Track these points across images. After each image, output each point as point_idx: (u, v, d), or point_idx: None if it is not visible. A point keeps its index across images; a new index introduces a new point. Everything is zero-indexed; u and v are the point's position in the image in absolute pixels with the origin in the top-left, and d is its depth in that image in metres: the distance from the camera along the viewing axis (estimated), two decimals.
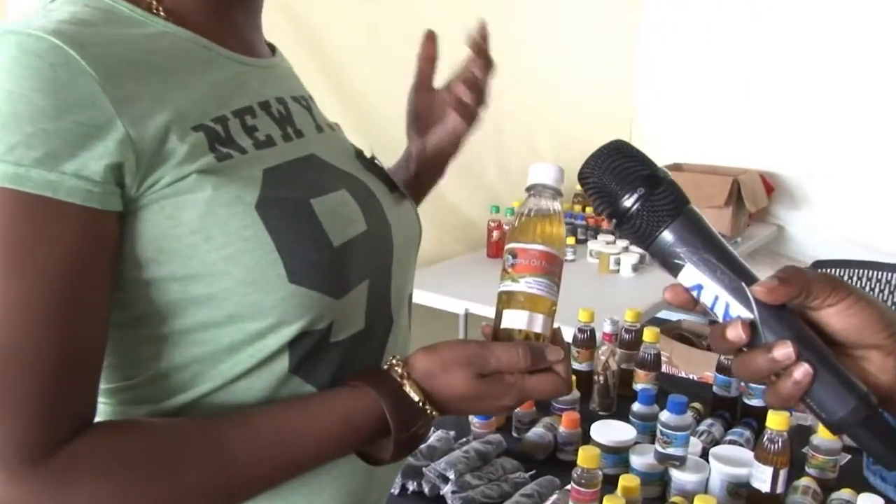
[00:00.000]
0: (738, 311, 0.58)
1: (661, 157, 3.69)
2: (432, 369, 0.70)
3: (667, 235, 0.59)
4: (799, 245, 3.69)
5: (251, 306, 0.66)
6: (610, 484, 1.35)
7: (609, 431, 1.49)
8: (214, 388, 0.69)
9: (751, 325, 0.57)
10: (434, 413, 0.71)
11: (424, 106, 1.00)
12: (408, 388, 0.70)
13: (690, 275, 0.59)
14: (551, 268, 0.73)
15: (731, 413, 1.70)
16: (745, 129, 3.67)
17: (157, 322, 0.67)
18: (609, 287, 2.85)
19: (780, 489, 1.34)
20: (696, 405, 1.71)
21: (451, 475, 1.39)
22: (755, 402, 1.66)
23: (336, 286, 0.70)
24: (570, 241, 3.08)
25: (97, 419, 0.65)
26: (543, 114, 3.47)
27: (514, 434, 1.62)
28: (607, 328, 1.80)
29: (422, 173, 1.03)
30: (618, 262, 2.92)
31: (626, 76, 4.11)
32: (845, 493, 1.38)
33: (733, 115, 3.72)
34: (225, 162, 0.66)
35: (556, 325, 0.75)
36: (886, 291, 3.30)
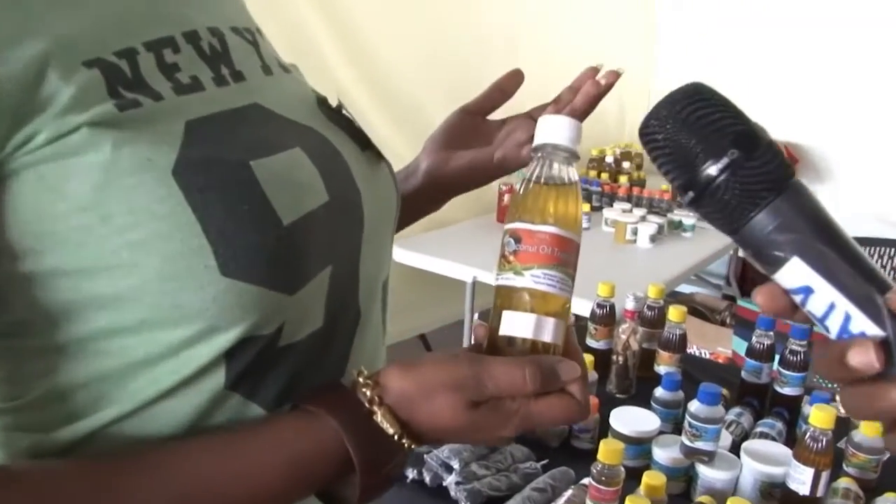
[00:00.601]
0: (863, 325, 0.43)
1: None
2: (412, 393, 0.55)
3: (764, 218, 0.44)
4: None
5: (172, 309, 0.51)
6: (630, 478, 1.22)
7: (630, 419, 1.36)
8: (125, 413, 0.53)
9: (883, 347, 0.42)
10: (412, 446, 0.55)
11: (468, 126, 0.88)
12: (380, 418, 0.54)
13: (796, 273, 0.44)
14: (565, 256, 0.57)
15: (760, 401, 1.57)
16: (768, 99, 3.48)
17: (46, 328, 0.51)
18: (625, 258, 2.71)
19: (820, 492, 1.21)
20: (723, 391, 1.57)
21: (456, 464, 1.26)
22: (788, 391, 1.52)
23: (288, 278, 0.54)
24: (585, 207, 2.92)
25: None
26: (559, 83, 3.30)
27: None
28: (629, 305, 1.66)
29: (426, 191, 0.87)
30: (635, 232, 2.78)
31: (646, 46, 3.93)
32: (891, 497, 1.25)
33: (756, 83, 3.54)
34: (131, 111, 0.50)
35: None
36: None
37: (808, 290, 0.44)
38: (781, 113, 3.51)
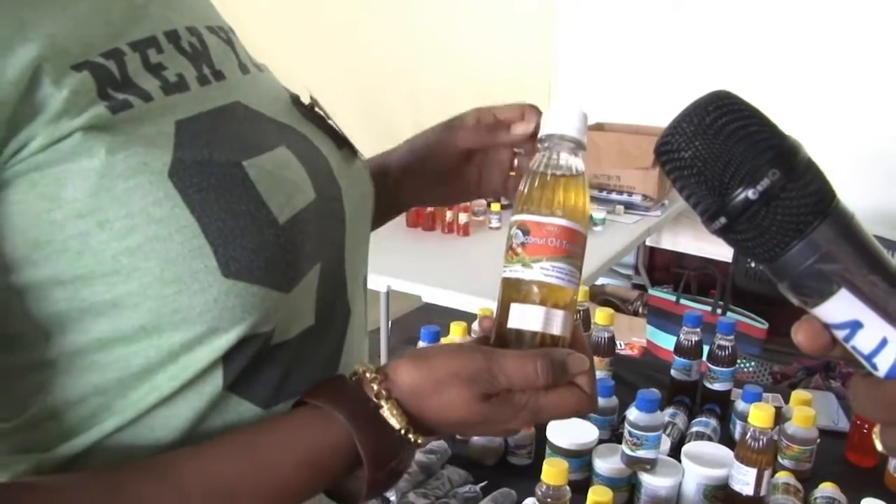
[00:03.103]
0: None
1: None
2: (422, 386, 0.55)
3: (808, 246, 0.39)
4: None
5: (172, 313, 0.50)
6: (572, 491, 1.17)
7: (569, 432, 1.31)
8: (124, 424, 0.53)
9: None
10: (419, 440, 0.56)
11: (452, 160, 0.82)
12: (386, 413, 0.54)
13: (844, 307, 0.39)
14: (573, 248, 0.58)
15: (692, 398, 1.55)
16: (670, 86, 3.54)
17: (38, 342, 0.50)
18: None
19: (763, 491, 1.19)
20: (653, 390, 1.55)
21: (393, 496, 1.19)
22: (718, 387, 1.52)
23: (285, 276, 0.55)
24: (495, 207, 2.88)
25: None
26: (460, 69, 3.27)
27: (459, 437, 1.42)
28: None
29: (392, 204, 0.84)
30: None
31: (545, 29, 3.93)
32: (828, 488, 1.25)
33: (659, 70, 3.59)
34: (123, 113, 0.49)
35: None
36: None
37: (856, 325, 0.39)
38: (684, 101, 3.57)
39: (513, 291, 0.58)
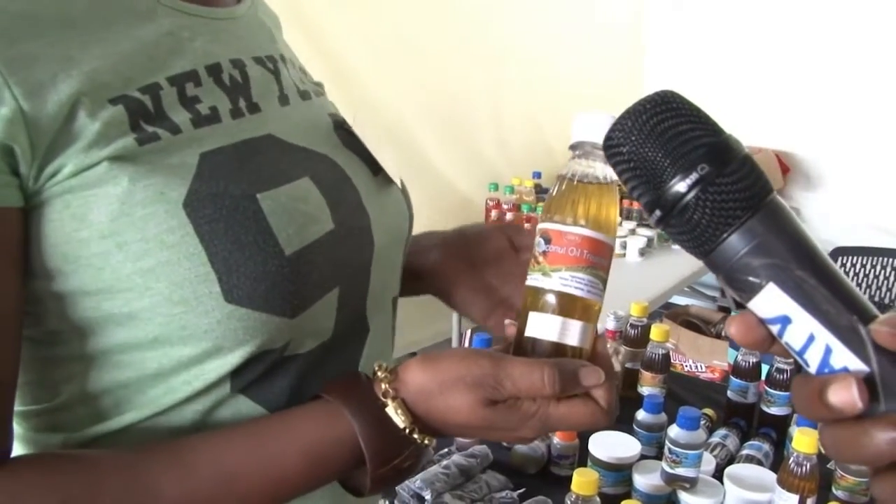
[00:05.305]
0: (846, 360, 0.39)
1: None
2: (429, 388, 0.55)
3: (737, 240, 0.40)
4: (815, 230, 3.48)
5: (180, 329, 0.55)
6: None
7: (610, 445, 1.31)
8: (144, 418, 0.58)
9: (867, 384, 0.37)
10: (426, 441, 0.56)
11: (495, 253, 0.78)
12: (391, 411, 0.55)
13: (773, 301, 0.40)
14: (596, 259, 0.56)
15: (748, 421, 1.52)
16: (759, 106, 3.45)
17: (73, 340, 0.57)
18: (613, 273, 2.65)
19: None
20: (708, 411, 1.52)
21: (428, 495, 1.21)
22: (775, 411, 1.48)
23: (289, 304, 0.57)
24: None
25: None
26: (545, 84, 3.27)
27: (504, 444, 1.43)
28: (611, 324, 1.61)
29: (424, 287, 0.81)
30: (624, 246, 2.73)
31: (634, 48, 3.90)
32: None
33: (747, 90, 3.51)
34: (149, 145, 0.54)
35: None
36: None
37: (785, 320, 0.40)
38: (773, 121, 3.48)
39: (532, 300, 0.57)
